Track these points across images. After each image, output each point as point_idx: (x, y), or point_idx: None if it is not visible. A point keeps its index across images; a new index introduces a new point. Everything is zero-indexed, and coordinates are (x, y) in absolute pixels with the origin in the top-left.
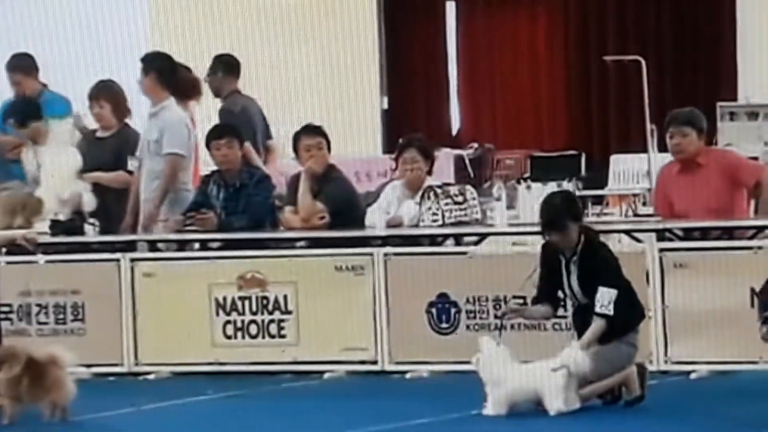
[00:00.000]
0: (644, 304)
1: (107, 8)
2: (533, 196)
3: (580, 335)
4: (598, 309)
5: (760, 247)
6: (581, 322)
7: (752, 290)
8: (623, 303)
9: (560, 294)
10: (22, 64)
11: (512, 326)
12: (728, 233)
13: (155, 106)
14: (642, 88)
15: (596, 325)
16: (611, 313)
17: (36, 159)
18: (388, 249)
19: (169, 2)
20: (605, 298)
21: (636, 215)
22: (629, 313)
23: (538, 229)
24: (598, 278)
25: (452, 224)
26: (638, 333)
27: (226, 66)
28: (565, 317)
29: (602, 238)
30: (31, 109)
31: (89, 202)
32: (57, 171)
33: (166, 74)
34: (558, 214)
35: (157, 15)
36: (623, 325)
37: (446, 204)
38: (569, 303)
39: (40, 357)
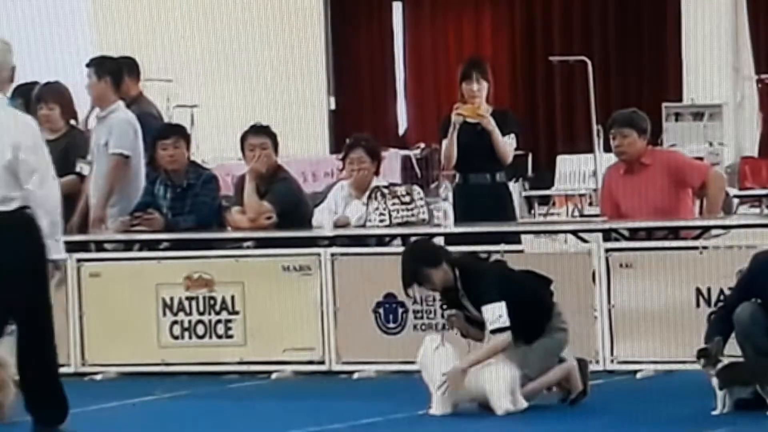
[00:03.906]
0: (590, 304)
1: (46, 10)
2: None
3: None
4: (489, 327)
5: (705, 247)
6: None
7: (698, 290)
8: (529, 302)
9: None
10: None
11: None
12: (674, 233)
13: (104, 110)
14: (588, 89)
15: (497, 340)
16: (507, 323)
17: None
18: (335, 249)
19: (112, 6)
20: (493, 314)
21: (582, 215)
22: (539, 307)
23: (483, 229)
24: (480, 301)
25: (399, 224)
26: (561, 314)
27: (129, 68)
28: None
29: (550, 237)
30: None
31: None
32: None
33: (117, 78)
34: (413, 268)
35: (101, 18)
36: (541, 318)
37: (393, 204)
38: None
39: None
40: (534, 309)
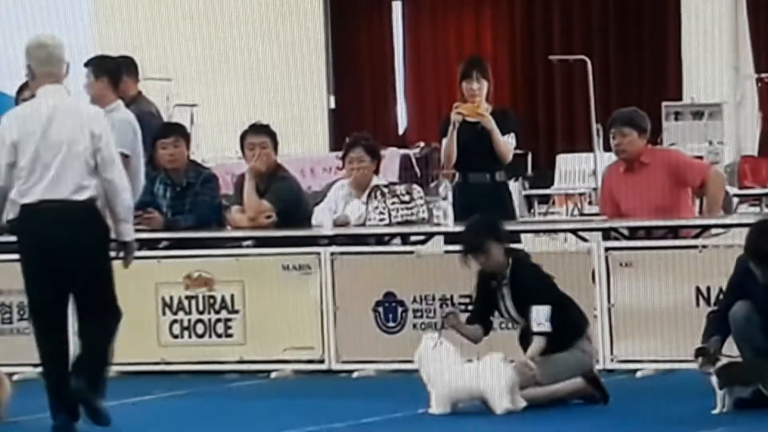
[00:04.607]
0: (590, 303)
1: (47, 10)
2: None
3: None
4: (535, 328)
5: (705, 246)
6: (527, 344)
7: (697, 289)
8: (562, 317)
9: (492, 318)
10: None
11: None
12: (673, 232)
13: (103, 110)
14: (587, 88)
15: (536, 343)
16: (549, 329)
17: None
18: (335, 248)
19: (111, 6)
20: (540, 315)
21: (582, 214)
22: (569, 326)
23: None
24: (529, 298)
25: (399, 223)
26: (590, 341)
27: (128, 67)
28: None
29: (549, 236)
30: None
31: None
32: None
33: (115, 77)
34: (478, 236)
35: (100, 18)
36: (567, 336)
37: (393, 203)
38: (514, 324)
39: None
40: (563, 324)
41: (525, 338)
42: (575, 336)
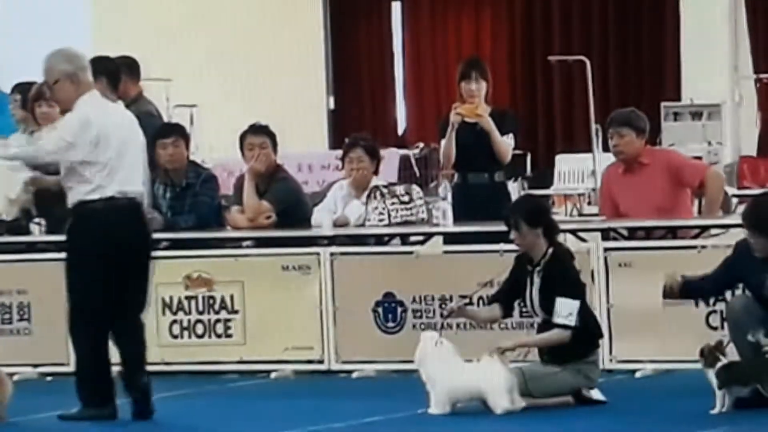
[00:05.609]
0: (589, 304)
1: (47, 9)
2: None
3: (541, 355)
4: (556, 319)
5: (704, 247)
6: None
7: None
8: (581, 326)
9: (515, 303)
10: None
11: (458, 325)
12: (672, 233)
13: None
14: (587, 88)
15: (556, 333)
16: (573, 323)
17: None
18: (335, 248)
19: (111, 6)
20: (566, 308)
21: (581, 215)
22: (582, 336)
23: (482, 228)
24: (555, 292)
25: (398, 224)
26: (597, 367)
27: (129, 67)
28: (511, 316)
29: None
30: None
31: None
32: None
33: (114, 78)
34: (509, 211)
35: (99, 18)
36: (575, 346)
37: (392, 204)
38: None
39: None
40: (577, 337)
41: (542, 332)
42: (584, 350)
